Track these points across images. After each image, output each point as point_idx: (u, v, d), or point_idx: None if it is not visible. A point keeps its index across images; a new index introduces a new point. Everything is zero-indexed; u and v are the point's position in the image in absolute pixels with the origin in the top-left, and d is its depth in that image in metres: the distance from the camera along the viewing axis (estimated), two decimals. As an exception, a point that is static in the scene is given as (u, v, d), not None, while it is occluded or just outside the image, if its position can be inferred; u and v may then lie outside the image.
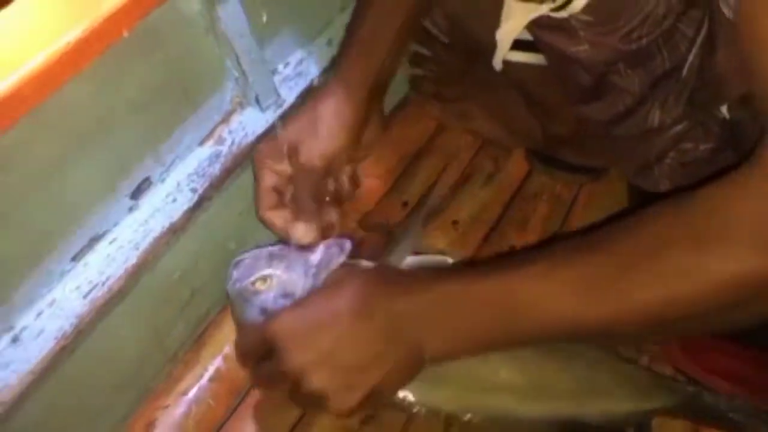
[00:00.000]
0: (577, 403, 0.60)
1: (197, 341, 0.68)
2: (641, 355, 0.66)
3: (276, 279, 0.57)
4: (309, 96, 0.68)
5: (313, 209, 0.62)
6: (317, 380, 0.51)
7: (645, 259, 0.46)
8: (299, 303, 0.55)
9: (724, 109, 0.59)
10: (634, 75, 0.58)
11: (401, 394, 0.56)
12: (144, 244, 0.60)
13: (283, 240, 0.61)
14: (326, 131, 0.62)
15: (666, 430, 0.63)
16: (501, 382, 0.58)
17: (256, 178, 0.63)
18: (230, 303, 0.60)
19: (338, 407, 0.51)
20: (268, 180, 0.63)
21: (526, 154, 0.84)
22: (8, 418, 0.53)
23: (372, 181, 0.81)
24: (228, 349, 0.68)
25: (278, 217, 0.62)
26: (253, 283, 0.58)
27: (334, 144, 0.62)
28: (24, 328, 0.55)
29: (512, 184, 0.81)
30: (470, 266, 0.56)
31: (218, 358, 0.67)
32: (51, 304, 0.56)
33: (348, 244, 0.59)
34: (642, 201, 0.54)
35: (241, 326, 0.59)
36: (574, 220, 0.78)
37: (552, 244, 0.51)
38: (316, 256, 0.59)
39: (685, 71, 0.57)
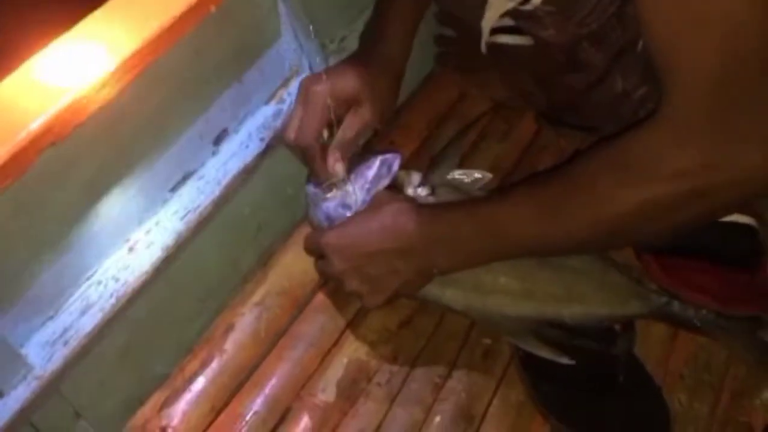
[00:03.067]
0: (559, 306, 0.73)
1: (265, 265, 0.83)
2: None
3: (339, 191, 0.74)
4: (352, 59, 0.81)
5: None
6: (352, 284, 0.70)
7: (577, 189, 0.61)
8: (344, 223, 0.73)
9: None
10: (597, 51, 0.71)
11: (422, 292, 0.72)
12: (225, 181, 0.75)
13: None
14: (372, 95, 0.76)
15: (648, 332, 0.77)
16: (499, 287, 0.73)
17: (297, 104, 0.76)
18: (306, 203, 0.79)
19: (368, 304, 0.71)
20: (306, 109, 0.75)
21: (535, 115, 0.97)
22: (125, 311, 0.69)
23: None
24: (290, 270, 0.82)
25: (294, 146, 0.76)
26: (322, 190, 0.75)
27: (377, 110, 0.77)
28: (137, 241, 0.71)
29: (523, 140, 0.95)
30: (474, 199, 0.75)
31: (283, 277, 0.81)
32: (156, 223, 0.72)
33: (397, 161, 0.76)
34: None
35: (310, 224, 0.79)
36: (577, 169, 0.92)
37: (524, 180, 0.67)
38: (371, 172, 0.75)
39: (639, 45, 0.70)
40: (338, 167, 0.74)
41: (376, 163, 0.75)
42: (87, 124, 0.61)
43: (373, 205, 0.74)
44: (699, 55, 0.51)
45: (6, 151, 0.55)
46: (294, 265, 0.83)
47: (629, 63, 0.71)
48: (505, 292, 0.72)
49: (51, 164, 0.60)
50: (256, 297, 0.80)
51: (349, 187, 0.74)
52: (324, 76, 0.75)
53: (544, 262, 0.73)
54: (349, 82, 0.75)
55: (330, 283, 0.80)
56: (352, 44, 0.89)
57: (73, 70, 0.60)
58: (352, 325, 0.79)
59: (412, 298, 0.75)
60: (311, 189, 0.77)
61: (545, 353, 0.70)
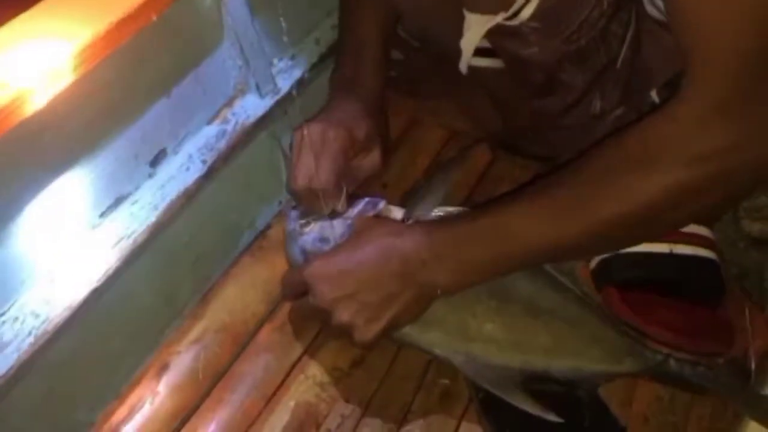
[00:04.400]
0: (549, 359, 0.68)
1: (202, 299, 0.76)
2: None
3: (318, 224, 0.69)
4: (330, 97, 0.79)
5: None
6: (345, 315, 0.62)
7: (597, 184, 0.58)
8: (330, 252, 0.66)
9: (653, 95, 0.71)
10: (578, 71, 0.69)
11: (400, 334, 0.67)
12: (162, 205, 0.69)
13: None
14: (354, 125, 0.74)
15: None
16: (485, 334, 0.68)
17: (293, 152, 0.73)
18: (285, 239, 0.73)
19: (361, 338, 0.63)
20: (305, 159, 0.71)
21: (490, 144, 0.94)
22: (45, 351, 0.61)
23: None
24: (231, 304, 0.76)
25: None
26: (300, 226, 0.70)
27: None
28: (61, 271, 0.63)
29: (478, 169, 0.92)
30: (469, 210, 0.68)
31: (223, 312, 0.75)
32: (83, 251, 0.65)
33: (382, 203, 0.71)
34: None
35: (288, 262, 0.72)
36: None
37: (532, 182, 0.63)
38: (356, 209, 0.70)
39: (619, 64, 0.69)
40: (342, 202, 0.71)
41: (362, 203, 0.71)
42: (7, 139, 0.54)
43: (358, 230, 0.68)
44: (725, 35, 0.51)
45: None
46: (235, 298, 0.77)
47: (609, 82, 0.69)
48: (491, 340, 0.68)
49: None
50: (194, 334, 0.73)
51: (328, 222, 0.69)
52: (333, 123, 0.72)
53: (533, 311, 0.69)
54: (363, 129, 0.74)
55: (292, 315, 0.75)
56: (301, 63, 0.85)
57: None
58: (300, 364, 0.72)
59: (392, 342, 0.69)
60: (290, 225, 0.72)
61: (531, 408, 0.66)
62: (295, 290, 0.67)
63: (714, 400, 0.72)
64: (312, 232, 0.69)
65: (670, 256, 0.74)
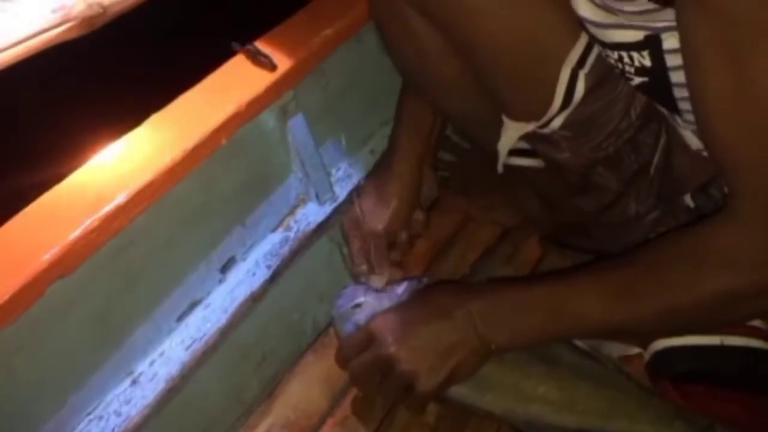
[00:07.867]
0: (604, 420, 0.70)
1: (269, 396, 0.80)
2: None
3: (367, 305, 0.74)
4: (369, 176, 0.89)
5: (384, 263, 0.83)
6: (407, 363, 0.66)
7: (653, 278, 0.61)
8: (391, 308, 0.72)
9: (687, 199, 0.74)
10: (611, 175, 0.73)
11: (461, 395, 0.70)
12: (231, 309, 0.75)
13: None
14: (384, 203, 0.84)
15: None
16: (539, 395, 0.71)
17: (346, 244, 0.84)
18: (333, 323, 0.78)
19: (424, 387, 0.66)
20: (355, 244, 0.83)
21: (540, 239, 0.98)
22: (126, 449, 0.66)
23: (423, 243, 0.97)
24: (296, 401, 0.80)
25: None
26: (351, 308, 0.75)
27: (390, 213, 0.84)
28: (141, 373, 0.69)
29: (530, 263, 0.95)
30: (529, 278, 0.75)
31: (288, 408, 0.79)
32: (161, 354, 0.70)
33: (426, 280, 0.77)
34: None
35: (340, 338, 0.76)
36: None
37: (590, 265, 0.67)
38: (401, 288, 0.76)
39: (652, 170, 0.72)
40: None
41: (405, 282, 0.77)
42: (96, 255, 0.61)
43: (418, 292, 0.74)
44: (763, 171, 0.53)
45: (13, 284, 0.55)
46: (299, 394, 0.80)
47: (643, 186, 0.72)
48: (545, 401, 0.70)
49: (57, 296, 0.59)
50: (261, 430, 0.77)
51: (378, 299, 0.74)
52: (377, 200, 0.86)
53: (581, 376, 0.71)
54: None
55: (356, 397, 0.78)
56: (357, 171, 0.91)
57: (84, 203, 0.61)
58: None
59: (452, 403, 0.72)
60: (339, 308, 0.77)
61: None
62: (356, 349, 0.70)
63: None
64: (364, 310, 0.74)
65: (722, 348, 0.75)
